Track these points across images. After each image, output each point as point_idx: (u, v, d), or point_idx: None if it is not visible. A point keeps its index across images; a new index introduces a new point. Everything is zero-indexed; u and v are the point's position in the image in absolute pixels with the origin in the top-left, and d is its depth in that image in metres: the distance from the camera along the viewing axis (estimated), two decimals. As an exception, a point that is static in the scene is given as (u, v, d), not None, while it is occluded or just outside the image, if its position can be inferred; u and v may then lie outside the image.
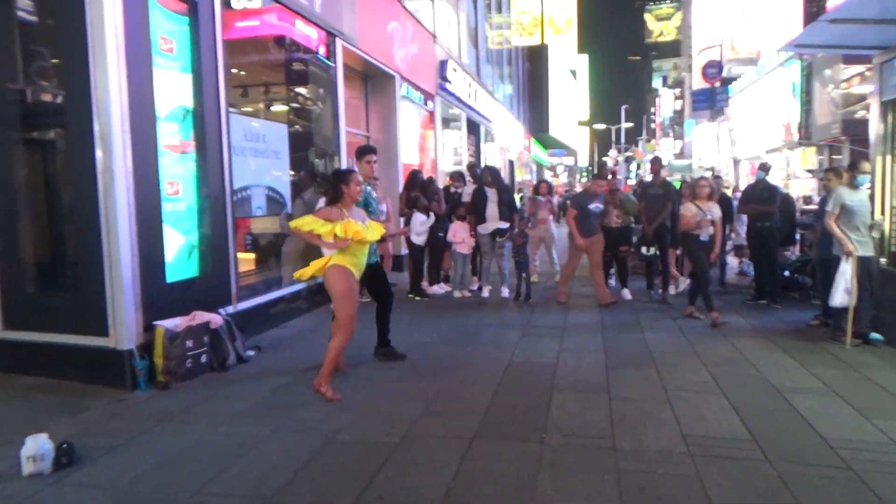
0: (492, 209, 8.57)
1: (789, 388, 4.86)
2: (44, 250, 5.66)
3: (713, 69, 15.34)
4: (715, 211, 7.31)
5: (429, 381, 5.12)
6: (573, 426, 4.14)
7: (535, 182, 16.54)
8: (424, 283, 9.15)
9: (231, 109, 6.66)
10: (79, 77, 4.88)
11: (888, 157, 6.75)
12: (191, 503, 3.18)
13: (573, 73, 45.56)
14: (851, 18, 6.54)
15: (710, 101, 15.04)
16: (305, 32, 8.30)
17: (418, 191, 8.98)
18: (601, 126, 52.83)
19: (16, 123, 5.46)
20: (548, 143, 39.12)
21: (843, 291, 6.09)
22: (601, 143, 67.98)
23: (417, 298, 8.76)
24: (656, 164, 8.87)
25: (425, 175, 12.80)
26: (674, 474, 3.46)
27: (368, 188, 5.71)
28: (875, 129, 6.79)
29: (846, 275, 6.06)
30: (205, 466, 3.60)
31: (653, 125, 65.81)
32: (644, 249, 8.61)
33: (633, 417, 4.28)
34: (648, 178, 11.03)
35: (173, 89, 5.61)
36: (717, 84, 17.37)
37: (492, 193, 8.64)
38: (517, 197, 21.42)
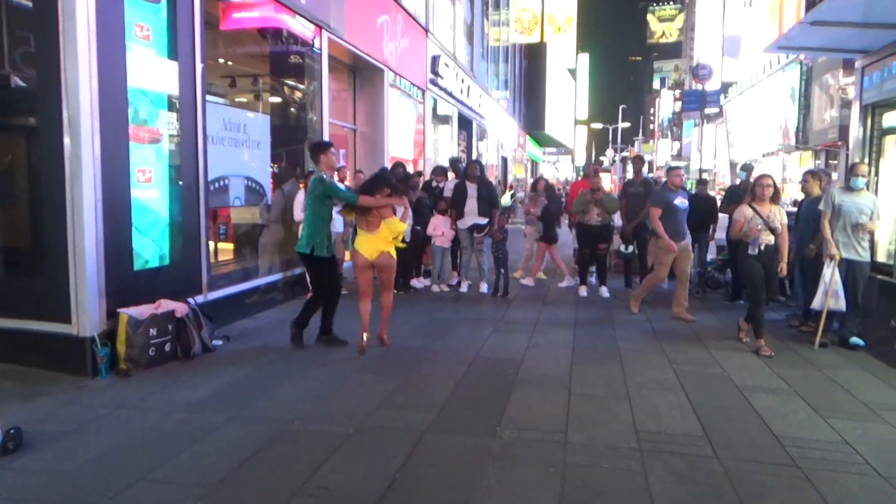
0: (471, 204, 8.56)
1: (751, 388, 4.86)
2: (10, 235, 5.64)
3: (704, 70, 15.29)
4: (777, 216, 6.04)
5: (393, 374, 5.11)
6: (528, 421, 4.14)
7: (532, 180, 16.47)
8: (414, 281, 9.13)
9: (210, 98, 6.65)
10: (49, 63, 4.86)
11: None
12: (129, 492, 3.17)
13: (572, 72, 45.47)
14: (833, 21, 6.53)
15: (700, 102, 15.00)
16: (290, 24, 8.26)
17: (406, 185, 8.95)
18: (598, 125, 52.84)
19: (-12, 107, 5.44)
20: (544, 140, 39.10)
21: (821, 293, 6.09)
22: (599, 142, 67.97)
23: (402, 293, 8.72)
24: (638, 162, 8.86)
25: (414, 169, 12.83)
26: (619, 468, 3.45)
27: (326, 177, 5.74)
28: (855, 133, 6.78)
29: (826, 277, 6.06)
30: (152, 454, 3.59)
31: (651, 126, 65.81)
32: (622, 247, 8.60)
33: (589, 413, 4.28)
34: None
35: (148, 77, 5.58)
36: (716, 86, 17.37)
37: (472, 189, 8.64)
38: (509, 194, 21.50)
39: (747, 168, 8.70)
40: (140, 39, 5.53)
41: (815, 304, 6.08)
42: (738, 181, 8.61)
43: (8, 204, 5.65)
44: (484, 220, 8.60)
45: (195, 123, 6.12)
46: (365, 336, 5.75)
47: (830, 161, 24.96)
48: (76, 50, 4.76)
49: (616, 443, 3.79)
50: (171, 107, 5.90)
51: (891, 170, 6.39)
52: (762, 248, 5.91)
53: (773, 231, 5.94)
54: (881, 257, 6.47)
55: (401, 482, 3.29)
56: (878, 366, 5.61)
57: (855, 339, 6.15)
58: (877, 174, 6.62)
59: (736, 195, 8.33)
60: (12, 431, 3.68)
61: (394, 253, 5.82)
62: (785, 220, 6.08)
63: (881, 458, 3.65)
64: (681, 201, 7.29)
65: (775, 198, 6.07)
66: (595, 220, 8.67)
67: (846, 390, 4.89)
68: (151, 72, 5.63)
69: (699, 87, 15.59)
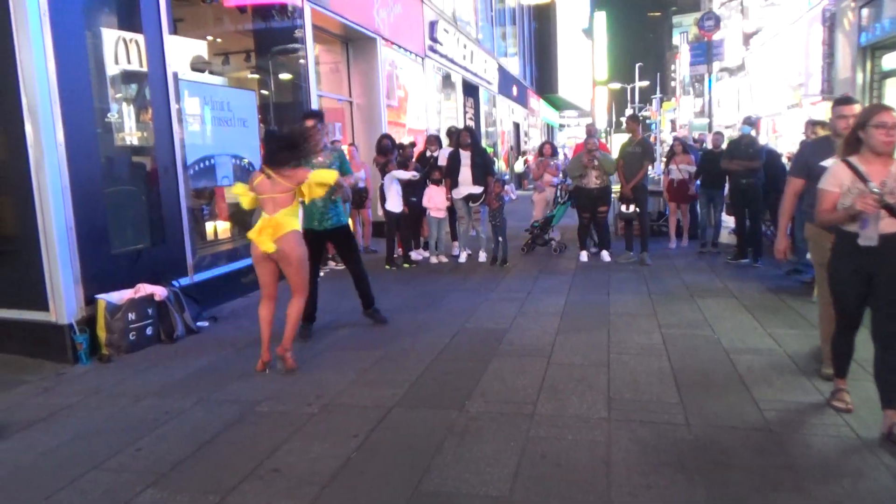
0: (464, 173, 8.37)
1: (738, 350, 4.68)
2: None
3: (709, 21, 14.70)
4: None
5: (373, 349, 5.03)
6: (499, 393, 4.02)
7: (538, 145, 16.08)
8: (412, 253, 8.98)
9: (186, 76, 6.52)
10: (3, 47, 4.77)
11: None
12: (81, 481, 3.13)
13: (587, 31, 44.35)
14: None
15: (707, 54, 14.45)
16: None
17: (388, 156, 8.79)
18: (616, 85, 51.63)
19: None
20: (559, 104, 38.37)
21: None
22: (619, 103, 66.59)
23: (395, 269, 8.60)
24: (631, 122, 8.55)
25: (413, 138, 12.63)
26: (583, 440, 3.33)
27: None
28: (854, 76, 6.43)
29: None
30: (113, 441, 3.56)
31: (672, 83, 64.10)
32: (623, 208, 8.37)
33: (564, 382, 4.15)
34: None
35: (111, 56, 5.49)
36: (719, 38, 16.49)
37: (465, 157, 8.44)
38: (521, 160, 21.16)
39: (750, 122, 8.34)
40: (100, 16, 5.43)
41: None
42: (738, 135, 8.27)
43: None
44: (478, 189, 8.41)
45: (166, 101, 6.00)
46: (263, 351, 4.62)
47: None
48: (29, 35, 4.66)
49: (585, 413, 3.67)
50: (138, 85, 5.81)
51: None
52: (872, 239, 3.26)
53: (891, 210, 3.25)
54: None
55: (355, 462, 3.21)
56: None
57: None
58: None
59: (738, 150, 8.01)
60: (-22, 422, 3.69)
61: (296, 225, 4.59)
62: None
63: (864, 419, 3.47)
64: None
65: None
66: (594, 182, 8.43)
67: (840, 348, 4.67)
68: (115, 48, 5.52)
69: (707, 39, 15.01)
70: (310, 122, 5.32)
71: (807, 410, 3.62)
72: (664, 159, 11.06)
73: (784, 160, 8.60)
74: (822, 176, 3.69)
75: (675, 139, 11.03)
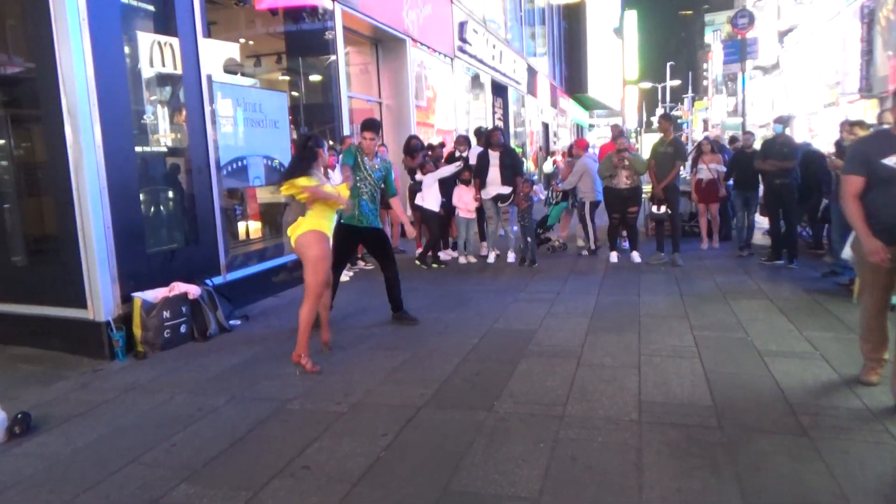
0: (493, 173, 8.36)
1: (773, 353, 4.59)
2: (31, 224, 5.81)
3: (743, 19, 14.45)
4: None
5: (401, 349, 5.05)
6: (528, 394, 4.01)
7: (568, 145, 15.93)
8: (441, 253, 8.98)
9: (219, 78, 6.62)
10: (45, 52, 4.91)
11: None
12: (118, 475, 3.20)
13: (617, 31, 43.97)
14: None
15: (741, 52, 14.20)
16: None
17: (416, 157, 8.81)
18: (647, 85, 51.14)
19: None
20: (589, 104, 38.09)
21: (850, 245, 5.70)
22: (650, 102, 65.87)
23: (424, 267, 8.62)
24: (664, 122, 8.44)
25: (442, 138, 12.66)
26: (613, 442, 3.30)
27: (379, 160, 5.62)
28: (894, 74, 6.25)
29: None
30: (148, 437, 3.63)
31: (704, 82, 63.22)
32: (654, 208, 8.28)
33: (594, 384, 4.12)
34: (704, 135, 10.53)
35: (147, 59, 5.60)
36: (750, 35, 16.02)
37: (494, 157, 8.42)
38: (550, 161, 21.02)
39: (783, 121, 8.18)
40: (136, 20, 5.55)
41: (845, 254, 5.68)
42: (772, 134, 8.12)
43: (26, 194, 5.81)
44: (507, 190, 8.39)
45: (200, 103, 6.11)
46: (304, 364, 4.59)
47: (896, 108, 23.39)
48: (68, 37, 4.78)
49: (616, 415, 3.63)
50: (173, 87, 5.92)
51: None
52: None
53: None
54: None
55: (384, 460, 3.23)
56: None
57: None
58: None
59: (772, 150, 7.86)
60: (20, 416, 3.79)
61: (323, 228, 4.66)
62: None
63: (905, 425, 3.38)
64: None
65: None
66: (625, 183, 8.35)
67: (880, 352, 4.55)
68: (150, 54, 5.64)
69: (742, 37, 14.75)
70: (368, 134, 5.41)
71: (844, 416, 3.53)
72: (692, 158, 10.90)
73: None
74: (886, 175, 3.55)
75: (705, 137, 10.86)
